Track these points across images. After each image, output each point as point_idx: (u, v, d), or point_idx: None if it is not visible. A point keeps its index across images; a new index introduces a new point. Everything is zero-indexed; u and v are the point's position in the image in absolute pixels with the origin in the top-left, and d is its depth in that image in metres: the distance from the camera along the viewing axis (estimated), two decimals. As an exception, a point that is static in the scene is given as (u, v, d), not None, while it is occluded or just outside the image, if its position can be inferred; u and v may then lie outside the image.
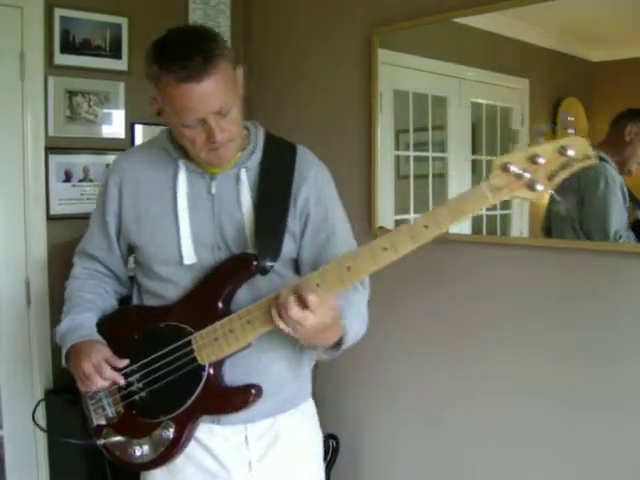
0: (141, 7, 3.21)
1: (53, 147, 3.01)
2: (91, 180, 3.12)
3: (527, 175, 1.33)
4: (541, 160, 1.32)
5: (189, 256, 1.65)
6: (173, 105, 1.51)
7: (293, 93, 3.30)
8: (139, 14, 3.20)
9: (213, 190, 1.67)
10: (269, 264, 1.61)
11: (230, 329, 1.58)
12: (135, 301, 1.83)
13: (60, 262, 3.03)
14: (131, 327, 1.73)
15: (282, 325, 1.46)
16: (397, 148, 2.95)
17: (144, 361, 1.68)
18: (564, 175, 1.33)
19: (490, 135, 2.68)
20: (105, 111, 3.15)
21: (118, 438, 1.72)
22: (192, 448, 1.71)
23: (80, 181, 3.09)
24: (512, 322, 2.49)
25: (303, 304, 1.41)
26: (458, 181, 2.77)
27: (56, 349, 3.05)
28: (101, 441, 1.75)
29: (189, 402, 1.64)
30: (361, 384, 3.04)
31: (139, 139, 3.25)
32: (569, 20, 2.33)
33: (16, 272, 2.96)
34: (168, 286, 1.70)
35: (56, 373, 3.06)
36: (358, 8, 2.97)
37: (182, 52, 1.48)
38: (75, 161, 3.08)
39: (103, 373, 1.65)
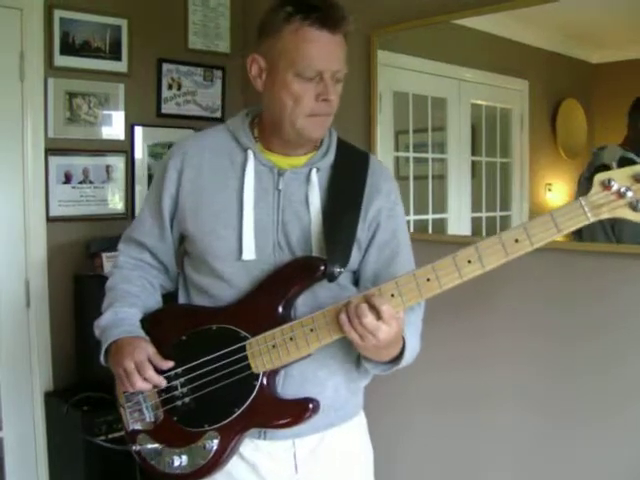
0: (141, 9, 3.21)
1: (53, 149, 3.01)
2: (91, 182, 3.12)
3: (630, 194, 1.26)
4: None
5: (249, 251, 1.55)
6: (297, 51, 1.45)
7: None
8: (139, 16, 3.20)
9: (281, 186, 1.58)
10: (338, 270, 1.51)
11: (291, 336, 1.48)
12: (182, 298, 1.71)
13: (59, 263, 3.04)
14: (178, 327, 1.62)
15: (352, 334, 1.38)
16: (397, 149, 2.95)
17: (191, 365, 1.57)
18: None
19: (490, 136, 2.68)
20: (105, 113, 3.15)
21: (155, 446, 1.60)
22: (235, 465, 1.60)
23: (80, 183, 3.09)
24: (512, 324, 2.49)
25: (376, 314, 1.36)
26: (457, 182, 2.77)
27: (57, 350, 3.05)
28: (136, 447, 1.62)
29: (238, 412, 1.53)
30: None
31: (139, 141, 3.25)
32: (569, 22, 2.34)
33: (16, 273, 2.95)
34: (221, 284, 1.59)
35: (56, 375, 3.05)
36: (358, 10, 2.95)
37: (326, 3, 1.47)
38: (75, 163, 3.08)
39: (145, 373, 1.53)
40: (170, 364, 1.57)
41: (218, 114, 3.50)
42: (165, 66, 3.32)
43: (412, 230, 2.86)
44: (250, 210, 1.56)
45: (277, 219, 1.57)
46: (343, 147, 1.67)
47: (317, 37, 1.45)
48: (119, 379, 1.58)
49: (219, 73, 3.49)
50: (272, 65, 1.50)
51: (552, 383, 2.39)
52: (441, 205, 2.81)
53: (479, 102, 2.73)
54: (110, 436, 2.71)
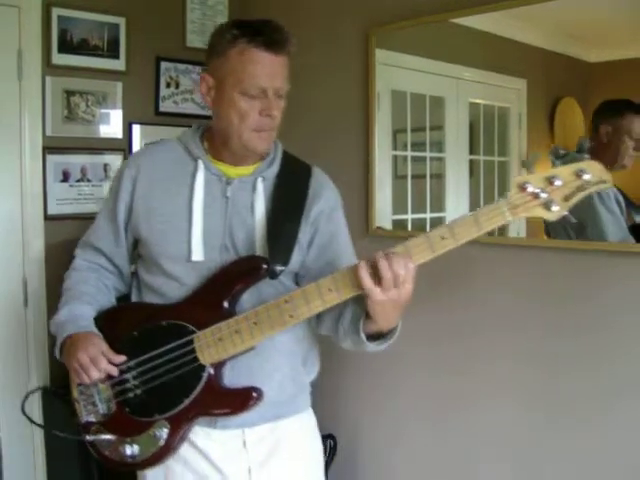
0: (139, 7, 3.21)
1: (51, 147, 3.00)
2: (89, 180, 3.12)
3: (544, 195, 1.39)
4: (558, 182, 1.39)
5: (197, 253, 1.66)
6: (242, 71, 1.59)
7: (291, 93, 3.29)
8: (137, 14, 3.20)
9: (228, 193, 1.70)
10: (279, 268, 1.63)
11: (236, 329, 1.58)
12: (134, 298, 1.82)
13: (57, 262, 3.03)
14: (130, 323, 1.72)
15: (374, 288, 1.43)
16: (395, 148, 2.95)
17: (142, 358, 1.67)
18: (580, 197, 1.40)
19: (488, 135, 2.68)
20: (103, 111, 3.15)
21: (108, 437, 1.69)
22: (189, 453, 1.69)
23: (78, 181, 3.09)
24: (511, 322, 2.50)
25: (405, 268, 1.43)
26: (455, 181, 2.77)
27: (53, 347, 3.05)
28: (90, 437, 1.71)
29: (187, 402, 1.62)
30: (359, 384, 3.04)
31: (137, 139, 3.25)
32: (566, 21, 2.34)
33: (13, 272, 2.95)
34: (172, 283, 1.70)
35: (53, 372, 3.06)
36: (356, 8, 2.97)
37: (266, 26, 1.62)
38: (73, 161, 3.08)
39: (99, 364, 1.63)
40: (122, 358, 1.67)
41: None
42: (163, 64, 3.31)
43: (410, 229, 2.87)
44: (199, 215, 1.67)
45: (225, 223, 1.69)
46: (288, 159, 1.80)
47: (261, 58, 1.59)
48: (74, 372, 1.66)
49: (217, 71, 3.49)
50: (220, 84, 1.64)
51: (548, 379, 2.40)
52: (439, 204, 2.81)
53: (477, 101, 2.72)
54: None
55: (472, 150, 2.73)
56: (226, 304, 1.63)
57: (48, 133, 3.00)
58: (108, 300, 1.83)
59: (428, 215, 2.86)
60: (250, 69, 1.59)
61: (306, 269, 1.75)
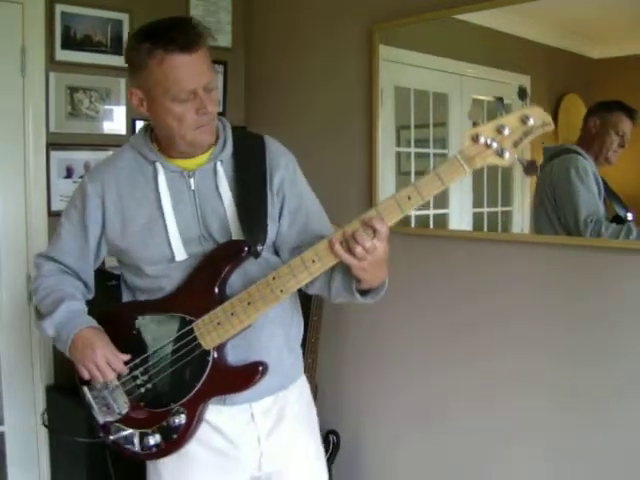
0: (142, 3, 3.20)
1: (54, 143, 3.01)
2: (92, 176, 3.12)
3: (495, 144, 1.47)
4: (506, 130, 1.46)
5: (180, 253, 1.72)
6: (167, 80, 1.60)
7: (294, 89, 3.30)
8: (140, 10, 3.19)
9: (192, 186, 1.75)
10: (260, 247, 1.71)
11: (232, 312, 1.66)
12: (126, 298, 1.87)
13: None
14: (127, 322, 1.77)
15: (351, 259, 1.54)
16: (398, 144, 2.94)
17: (147, 354, 1.74)
18: (527, 141, 1.48)
19: (491, 132, 2.67)
20: (106, 107, 3.15)
21: (129, 432, 1.76)
22: (202, 431, 1.76)
23: (81, 177, 3.09)
24: (513, 319, 2.50)
25: (372, 234, 1.52)
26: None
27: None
28: (112, 437, 1.78)
29: (198, 386, 1.71)
30: (362, 380, 3.04)
31: (140, 135, 3.25)
32: (570, 17, 2.33)
33: (17, 268, 2.96)
34: (160, 281, 1.76)
35: (57, 368, 3.06)
36: (359, 4, 2.96)
37: (174, 29, 1.63)
38: (76, 157, 3.08)
39: (113, 364, 1.71)
40: (128, 357, 1.74)
41: (219, 108, 3.49)
42: (167, 60, 3.31)
43: (413, 225, 2.86)
44: (171, 216, 1.73)
45: (197, 215, 1.74)
46: (239, 136, 1.84)
47: (180, 62, 1.60)
48: (89, 371, 1.71)
49: (220, 68, 3.48)
50: (149, 95, 1.66)
51: (562, 374, 2.40)
52: (443, 200, 2.81)
53: (480, 97, 2.72)
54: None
55: (475, 146, 2.72)
56: (216, 289, 1.69)
57: (52, 129, 3.01)
58: (83, 299, 1.86)
59: (432, 212, 2.85)
60: (173, 76, 1.60)
61: (282, 237, 1.82)
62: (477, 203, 2.71)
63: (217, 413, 1.77)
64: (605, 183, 2.28)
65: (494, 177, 2.64)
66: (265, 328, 1.76)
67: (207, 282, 1.71)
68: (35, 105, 2.95)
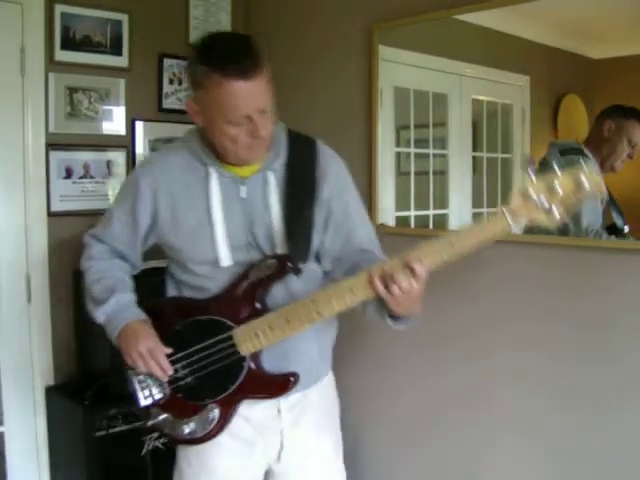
0: (142, 3, 3.21)
1: (54, 144, 3.00)
2: (92, 177, 3.12)
3: (544, 203, 1.50)
4: (558, 190, 1.48)
5: (226, 259, 1.79)
6: (221, 103, 1.63)
7: (294, 90, 3.29)
8: (140, 10, 3.19)
9: (243, 194, 1.80)
10: (302, 265, 1.78)
11: (269, 325, 1.74)
12: (171, 292, 1.95)
13: (61, 258, 3.04)
14: (171, 318, 1.87)
15: (389, 297, 1.60)
16: (398, 145, 2.95)
17: (188, 351, 1.82)
18: (577, 205, 1.50)
19: (491, 132, 2.67)
20: (105, 108, 3.15)
21: (166, 415, 1.88)
22: (234, 422, 1.86)
23: (81, 178, 3.09)
24: (513, 319, 2.49)
25: (411, 274, 1.58)
26: (459, 178, 2.77)
27: (58, 345, 3.06)
28: (152, 421, 1.89)
29: (232, 388, 1.80)
30: (362, 381, 3.04)
31: (140, 136, 3.25)
32: (570, 17, 2.33)
33: (17, 268, 2.96)
34: (206, 281, 1.83)
35: (56, 368, 3.06)
36: (359, 5, 2.96)
37: (234, 53, 1.62)
38: (76, 158, 3.08)
39: (156, 357, 1.79)
40: (170, 350, 1.82)
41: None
42: (166, 61, 3.31)
43: (413, 225, 2.87)
44: (220, 223, 1.78)
45: (245, 223, 1.80)
46: (292, 141, 1.87)
47: (237, 88, 1.61)
48: (133, 360, 1.80)
49: (220, 68, 3.48)
50: (205, 113, 1.70)
51: (564, 374, 2.40)
52: (442, 201, 2.81)
53: (480, 98, 2.72)
54: (111, 431, 2.71)
55: (475, 147, 2.73)
56: (258, 302, 1.78)
57: (51, 130, 3.00)
58: (132, 282, 1.96)
59: (431, 212, 2.85)
60: (230, 102, 1.62)
61: (325, 248, 1.87)
62: (477, 203, 2.71)
63: (248, 407, 1.86)
64: (607, 191, 2.25)
65: (494, 177, 2.64)
66: (300, 338, 1.80)
67: (249, 292, 1.79)
68: (34, 105, 2.94)
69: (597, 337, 2.27)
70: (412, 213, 2.87)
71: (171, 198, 1.81)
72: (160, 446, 2.81)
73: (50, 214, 3.01)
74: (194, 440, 1.87)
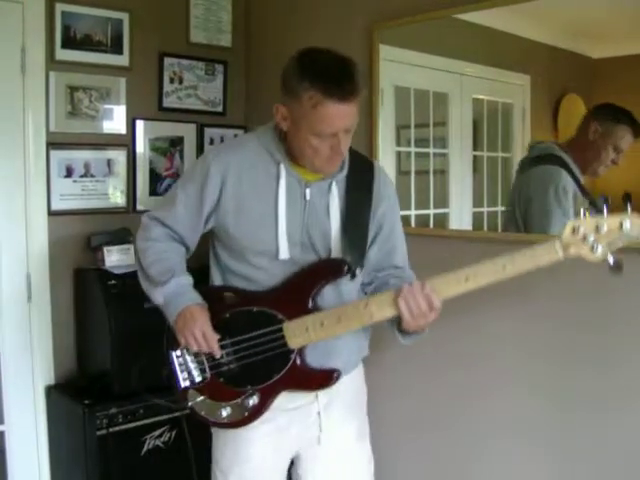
0: (142, 2, 3.20)
1: (54, 143, 3.00)
2: (92, 176, 3.12)
3: (591, 239, 1.63)
4: (604, 229, 1.62)
5: (284, 252, 1.88)
6: (315, 119, 1.73)
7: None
8: (140, 9, 3.19)
9: (307, 196, 1.90)
10: (358, 270, 1.90)
11: (321, 322, 1.84)
12: (218, 280, 2.03)
13: (61, 257, 3.05)
14: (222, 306, 1.95)
15: (408, 316, 1.76)
16: (398, 144, 2.95)
17: (237, 338, 1.91)
18: (620, 244, 1.63)
19: (491, 131, 2.68)
20: (106, 107, 3.15)
21: (202, 398, 1.95)
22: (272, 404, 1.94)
23: (81, 177, 3.09)
24: (514, 318, 2.49)
25: (429, 303, 1.75)
26: (459, 177, 2.77)
27: (58, 344, 3.06)
28: (189, 403, 1.97)
29: (276, 377, 1.89)
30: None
31: (140, 135, 3.25)
32: (570, 16, 2.33)
33: (17, 267, 2.96)
34: (259, 273, 1.93)
35: (57, 367, 3.06)
36: (359, 4, 2.96)
37: (339, 78, 1.71)
38: (76, 157, 3.08)
39: (209, 341, 1.87)
40: (219, 336, 1.90)
41: (220, 108, 3.50)
42: (167, 60, 3.31)
43: (413, 225, 2.86)
44: (283, 217, 1.88)
45: (303, 223, 1.91)
46: (353, 158, 1.99)
47: (332, 110, 1.71)
48: (186, 339, 1.88)
49: (221, 67, 3.48)
50: (294, 120, 1.79)
51: (562, 376, 2.40)
52: (442, 200, 2.81)
53: (480, 97, 2.72)
54: (111, 430, 2.72)
55: (476, 146, 2.73)
56: (310, 299, 1.88)
57: (52, 129, 3.00)
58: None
59: (432, 211, 2.86)
60: (322, 120, 1.72)
61: (369, 259, 2.00)
62: (477, 203, 2.71)
63: (285, 393, 1.93)
64: (589, 195, 2.26)
65: (494, 176, 2.64)
66: (342, 338, 1.92)
67: (304, 290, 1.89)
68: (35, 104, 2.94)
69: (597, 337, 2.27)
70: (412, 212, 2.87)
71: (239, 186, 1.90)
72: (161, 445, 2.82)
73: (50, 213, 3.01)
74: (228, 424, 1.95)
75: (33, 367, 3.01)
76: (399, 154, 2.96)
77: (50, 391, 3.02)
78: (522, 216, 2.41)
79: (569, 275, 2.32)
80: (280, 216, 1.88)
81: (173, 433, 2.85)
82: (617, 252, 1.65)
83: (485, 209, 2.68)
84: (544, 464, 2.45)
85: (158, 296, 1.95)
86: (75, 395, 2.84)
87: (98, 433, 2.70)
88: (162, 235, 2.01)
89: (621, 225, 1.60)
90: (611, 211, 1.64)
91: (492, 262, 1.73)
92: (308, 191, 1.90)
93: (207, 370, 1.95)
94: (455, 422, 2.71)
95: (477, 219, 2.70)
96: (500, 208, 2.62)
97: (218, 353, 1.90)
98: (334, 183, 1.92)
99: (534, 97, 2.49)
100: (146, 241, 2.02)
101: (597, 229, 1.63)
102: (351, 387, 2.09)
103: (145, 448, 2.81)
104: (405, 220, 2.88)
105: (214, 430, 2.07)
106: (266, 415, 1.93)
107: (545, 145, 2.41)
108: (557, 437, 2.40)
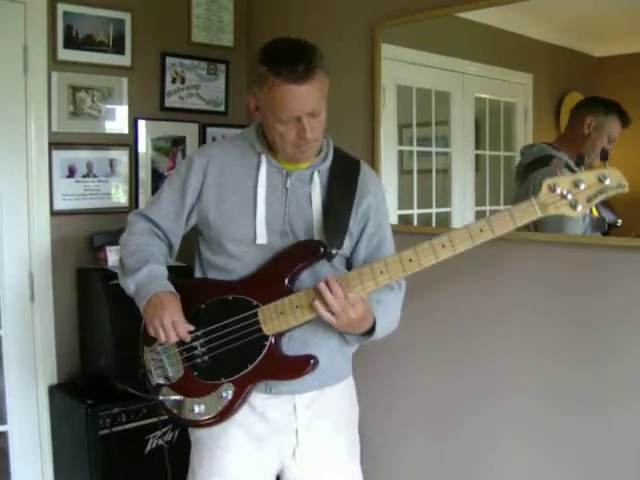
0: (144, 2, 3.21)
1: (56, 143, 3.01)
2: (95, 175, 3.12)
3: (570, 196, 1.63)
4: (582, 185, 1.62)
5: (262, 237, 1.88)
6: (274, 102, 1.75)
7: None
8: (142, 9, 3.20)
9: (288, 185, 1.91)
10: (335, 251, 1.86)
11: (297, 304, 1.81)
12: (198, 274, 2.03)
13: (63, 257, 3.05)
14: (198, 297, 1.93)
15: (327, 315, 1.74)
16: (400, 143, 2.95)
17: (210, 328, 1.88)
18: (600, 199, 1.63)
19: (493, 130, 2.67)
20: (108, 106, 3.15)
21: (177, 397, 1.91)
22: (247, 416, 1.91)
23: (84, 176, 3.10)
24: (514, 318, 2.50)
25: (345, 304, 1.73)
26: (461, 176, 2.77)
27: (61, 343, 3.06)
28: (161, 397, 1.93)
29: (251, 367, 1.85)
30: (363, 381, 3.03)
31: (142, 134, 3.25)
32: (572, 14, 2.33)
33: (20, 267, 2.96)
34: (235, 262, 1.91)
35: (59, 367, 3.06)
36: (361, 3, 2.96)
37: (290, 59, 1.72)
38: (78, 157, 3.08)
39: (178, 329, 1.83)
40: (192, 327, 1.87)
41: (222, 108, 3.50)
42: (168, 60, 3.31)
43: (416, 224, 2.87)
44: (262, 203, 1.89)
45: (284, 211, 1.90)
46: (338, 153, 2.00)
47: (289, 91, 1.73)
48: (154, 330, 1.85)
49: (223, 67, 3.49)
50: (261, 109, 1.84)
51: (565, 374, 2.40)
52: (445, 199, 2.81)
53: (483, 96, 2.72)
54: (114, 429, 2.72)
55: (478, 145, 2.73)
56: (287, 282, 1.85)
57: (54, 129, 3.00)
58: (166, 264, 2.02)
59: (434, 210, 2.86)
60: (280, 101, 1.74)
61: (356, 255, 1.98)
62: (479, 201, 2.71)
63: (262, 401, 1.91)
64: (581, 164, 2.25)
65: (496, 175, 2.64)
66: (322, 328, 1.87)
67: (280, 273, 1.86)
68: (37, 104, 2.94)
69: (597, 336, 2.27)
70: (415, 211, 2.87)
71: (221, 177, 1.93)
72: (164, 444, 2.82)
73: (53, 213, 3.02)
74: (202, 422, 1.90)
75: (36, 367, 3.01)
76: (401, 153, 2.96)
77: (53, 391, 3.02)
78: (533, 226, 2.37)
79: (569, 275, 2.33)
80: (259, 203, 1.89)
81: (176, 432, 2.85)
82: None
83: (487, 208, 2.68)
84: (544, 464, 2.45)
85: (130, 285, 1.92)
86: (78, 395, 2.84)
87: (101, 433, 2.70)
88: (145, 230, 2.02)
89: (600, 179, 1.61)
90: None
91: (466, 228, 1.72)
92: (289, 180, 1.91)
93: (181, 364, 1.91)
94: (454, 422, 2.71)
95: (479, 218, 2.68)
96: (502, 207, 2.61)
97: (187, 338, 1.86)
98: (316, 173, 1.93)
99: (536, 96, 2.49)
100: (128, 234, 2.03)
101: (575, 185, 1.62)
102: (340, 401, 2.03)
103: (148, 447, 2.81)
104: (407, 219, 2.89)
105: (193, 439, 2.03)
106: (245, 423, 1.91)
107: (537, 148, 2.41)
108: (557, 437, 2.40)
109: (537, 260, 2.43)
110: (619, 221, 2.18)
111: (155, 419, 2.76)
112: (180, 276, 2.06)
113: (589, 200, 1.63)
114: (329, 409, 1.98)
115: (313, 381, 1.90)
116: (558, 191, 1.63)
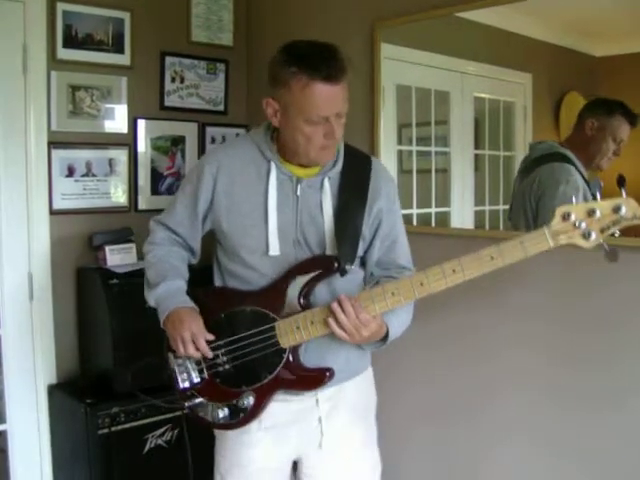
0: (144, 2, 3.21)
1: (56, 142, 3.00)
2: (94, 175, 3.12)
3: (584, 225, 1.58)
4: (597, 214, 1.56)
5: (274, 248, 1.89)
6: (305, 103, 1.75)
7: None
8: (141, 9, 3.19)
9: (298, 192, 1.91)
10: (348, 267, 1.87)
11: (312, 320, 1.83)
12: (218, 281, 2.05)
13: (63, 256, 3.05)
14: (218, 306, 1.96)
15: (342, 334, 1.77)
16: (400, 142, 2.95)
17: (231, 338, 1.92)
18: (613, 230, 1.57)
19: (493, 130, 2.67)
20: (108, 106, 3.15)
21: (201, 400, 1.96)
22: (269, 410, 1.94)
23: (83, 176, 3.09)
24: (514, 318, 2.49)
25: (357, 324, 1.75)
26: (461, 176, 2.77)
27: (60, 343, 3.06)
28: (188, 403, 1.97)
29: (270, 377, 1.89)
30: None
31: (142, 134, 3.25)
32: (572, 14, 2.33)
33: (19, 267, 2.96)
34: (252, 272, 1.94)
35: (59, 366, 3.06)
36: (361, 2, 2.96)
37: (325, 58, 1.75)
38: (78, 156, 3.08)
39: (199, 344, 1.88)
40: (212, 337, 1.91)
41: (221, 107, 3.50)
42: (168, 59, 3.31)
43: (415, 223, 2.86)
44: (274, 213, 1.89)
45: (296, 220, 1.91)
46: (349, 153, 1.98)
47: (321, 91, 1.74)
48: (175, 343, 1.90)
49: (222, 66, 3.48)
50: (284, 110, 1.81)
51: (566, 375, 2.39)
52: (444, 199, 2.81)
53: (482, 95, 2.72)
54: (113, 429, 2.72)
55: (477, 145, 2.73)
56: (302, 297, 1.86)
57: (53, 128, 3.00)
58: (186, 270, 2.07)
59: (433, 210, 2.86)
60: (312, 102, 1.74)
61: (370, 255, 2.00)
62: (479, 201, 2.71)
63: (285, 397, 1.94)
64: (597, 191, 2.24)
65: (496, 175, 2.64)
66: (337, 338, 1.86)
67: (294, 288, 1.87)
68: (37, 104, 2.94)
69: (598, 337, 2.27)
70: (414, 211, 2.87)
71: (230, 184, 1.93)
72: (163, 444, 2.82)
73: (52, 212, 3.02)
74: (226, 425, 1.95)
75: (35, 366, 3.01)
76: (400, 153, 2.96)
77: (52, 390, 3.02)
78: (533, 217, 2.38)
79: (570, 275, 2.32)
80: (270, 212, 1.89)
81: (175, 432, 2.85)
82: (617, 247, 1.61)
83: (487, 208, 2.68)
84: (544, 464, 2.45)
85: (150, 299, 1.99)
86: (77, 394, 2.84)
87: (100, 432, 2.70)
88: (165, 239, 2.06)
89: (615, 209, 1.55)
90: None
91: (477, 255, 1.68)
92: (299, 187, 1.91)
93: (204, 371, 1.95)
94: (454, 423, 2.71)
95: (479, 218, 2.69)
96: (502, 207, 2.61)
97: (209, 354, 1.91)
98: (326, 179, 1.92)
99: (536, 95, 2.49)
100: (149, 244, 2.07)
101: (589, 214, 1.57)
102: (356, 393, 2.07)
103: (147, 447, 2.81)
104: (407, 219, 2.87)
105: (217, 433, 2.08)
106: (265, 422, 1.95)
107: (548, 144, 2.41)
108: (558, 437, 2.40)
109: (537, 260, 2.42)
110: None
111: (154, 419, 2.76)
112: (199, 275, 2.11)
113: (602, 231, 1.58)
114: (347, 401, 2.03)
115: (334, 379, 1.93)
116: (572, 219, 1.58)
